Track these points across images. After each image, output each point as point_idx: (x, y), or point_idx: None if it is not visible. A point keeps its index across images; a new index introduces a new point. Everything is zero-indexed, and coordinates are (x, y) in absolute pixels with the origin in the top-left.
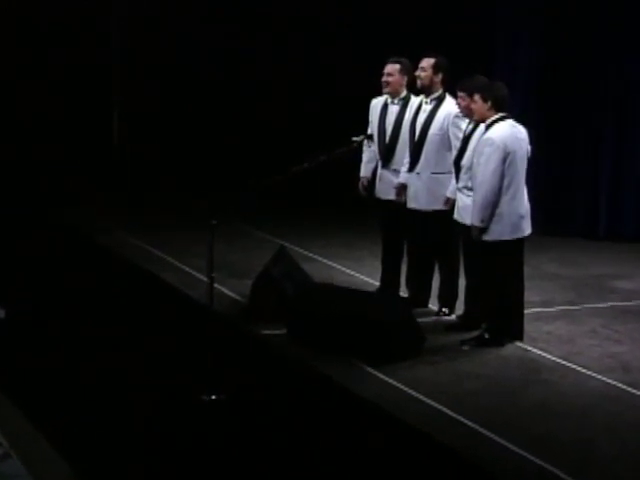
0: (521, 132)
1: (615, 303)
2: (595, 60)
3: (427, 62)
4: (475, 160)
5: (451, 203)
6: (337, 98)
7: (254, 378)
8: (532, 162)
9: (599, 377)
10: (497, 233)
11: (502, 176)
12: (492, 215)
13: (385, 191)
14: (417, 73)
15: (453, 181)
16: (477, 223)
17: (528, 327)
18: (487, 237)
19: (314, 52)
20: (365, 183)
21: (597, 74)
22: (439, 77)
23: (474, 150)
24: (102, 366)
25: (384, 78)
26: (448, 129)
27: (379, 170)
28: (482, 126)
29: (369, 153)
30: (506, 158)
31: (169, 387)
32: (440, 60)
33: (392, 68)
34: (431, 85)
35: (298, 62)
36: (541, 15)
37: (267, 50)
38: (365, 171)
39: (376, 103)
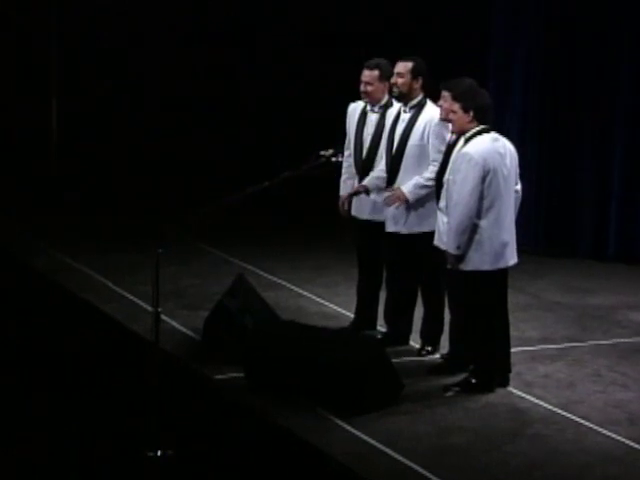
0: (505, 147)
1: (623, 340)
2: (604, 64)
3: (404, 67)
4: (451, 177)
5: (397, 195)
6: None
7: (206, 430)
8: (533, 175)
9: (601, 431)
10: (476, 262)
11: (481, 197)
12: (470, 241)
13: (362, 210)
14: (393, 80)
15: (416, 179)
16: (452, 250)
17: (523, 369)
18: (465, 266)
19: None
20: (345, 203)
21: (607, 78)
22: (419, 82)
23: (451, 166)
24: (26, 416)
25: (362, 87)
26: (429, 139)
27: (356, 186)
28: (462, 139)
29: (348, 169)
30: (486, 176)
31: (108, 441)
32: (418, 63)
33: (370, 76)
34: (410, 92)
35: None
36: (541, 14)
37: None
38: (344, 190)
39: (354, 109)
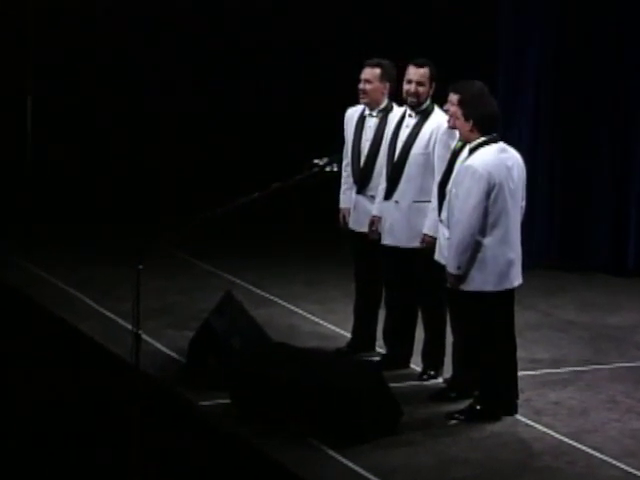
0: (511, 158)
1: None
2: (621, 62)
3: (420, 74)
4: (454, 190)
5: (430, 242)
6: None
7: (189, 460)
8: (545, 181)
9: (616, 463)
10: (478, 283)
11: (485, 213)
12: (472, 260)
13: (360, 221)
14: (412, 89)
15: (432, 213)
16: (452, 270)
17: (532, 395)
18: (466, 287)
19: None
20: (346, 215)
21: (624, 77)
22: (433, 88)
23: (454, 178)
24: None
25: (361, 85)
26: (434, 148)
27: (353, 196)
28: (466, 149)
29: (348, 180)
30: (491, 191)
31: (84, 473)
32: (432, 67)
33: (371, 73)
34: (427, 98)
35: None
36: (554, 10)
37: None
38: (344, 201)
39: (352, 114)
